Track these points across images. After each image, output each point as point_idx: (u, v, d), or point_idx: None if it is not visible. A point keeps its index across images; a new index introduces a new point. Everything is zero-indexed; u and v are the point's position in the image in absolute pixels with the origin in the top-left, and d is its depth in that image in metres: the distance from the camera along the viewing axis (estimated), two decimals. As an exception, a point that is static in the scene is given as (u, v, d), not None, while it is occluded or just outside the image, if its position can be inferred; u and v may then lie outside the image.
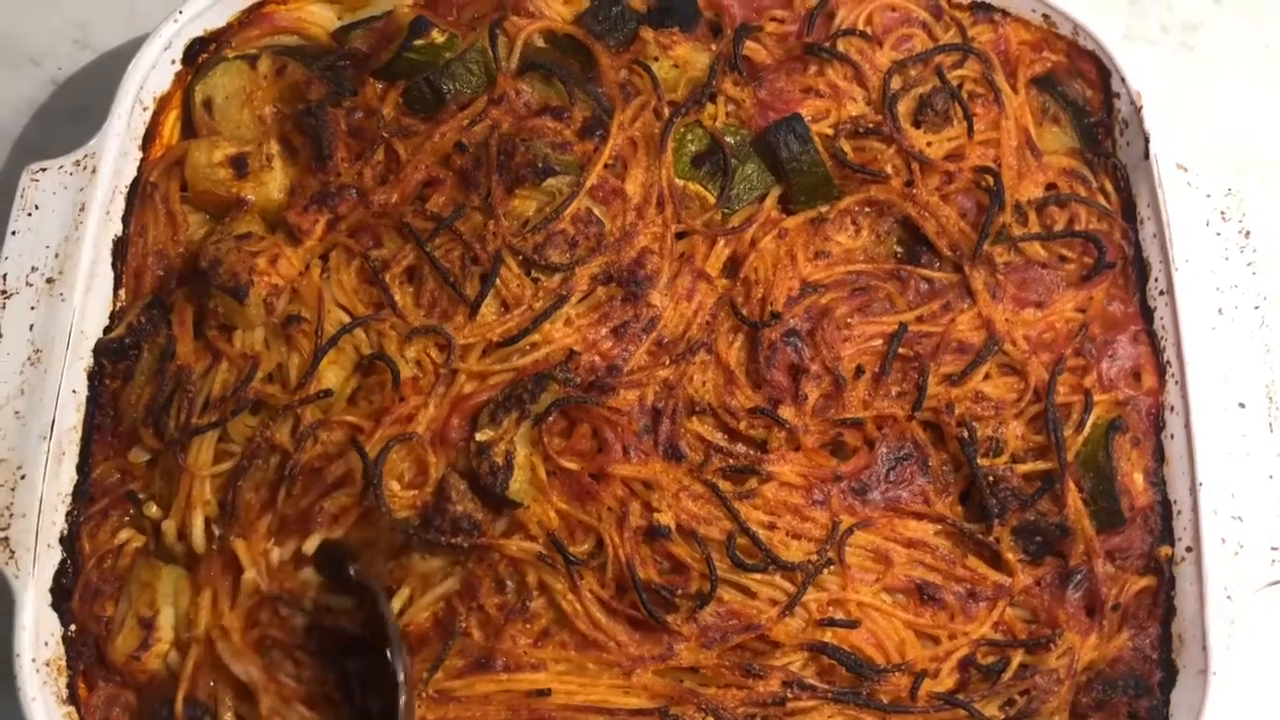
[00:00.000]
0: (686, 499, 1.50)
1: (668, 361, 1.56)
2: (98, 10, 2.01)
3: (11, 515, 1.46)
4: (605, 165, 1.62)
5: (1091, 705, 1.51)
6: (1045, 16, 1.75)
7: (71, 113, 1.61)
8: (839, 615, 1.49)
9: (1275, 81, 2.04)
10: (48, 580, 1.47)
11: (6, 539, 1.45)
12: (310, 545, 1.48)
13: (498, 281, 1.56)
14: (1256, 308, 1.61)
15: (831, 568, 1.51)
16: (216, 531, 1.49)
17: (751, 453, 1.54)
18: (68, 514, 1.50)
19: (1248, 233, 1.63)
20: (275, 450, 1.51)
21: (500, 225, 1.58)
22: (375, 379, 1.54)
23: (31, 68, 1.99)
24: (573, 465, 1.50)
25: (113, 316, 1.60)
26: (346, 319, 1.56)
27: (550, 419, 1.50)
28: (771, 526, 1.51)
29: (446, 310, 1.56)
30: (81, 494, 1.52)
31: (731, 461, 1.53)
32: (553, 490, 1.49)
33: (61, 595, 1.48)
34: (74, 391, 1.53)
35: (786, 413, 1.55)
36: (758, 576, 1.49)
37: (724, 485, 1.51)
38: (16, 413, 1.50)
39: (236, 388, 1.52)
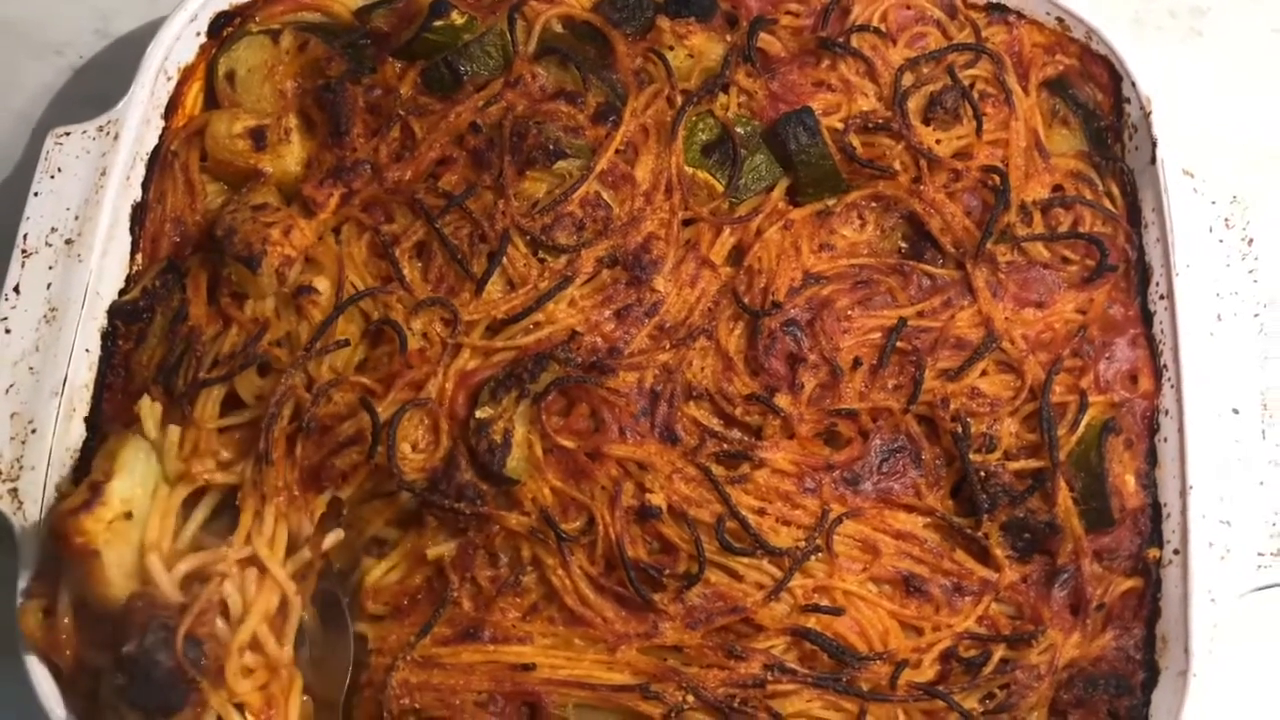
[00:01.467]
0: (679, 481, 1.52)
1: (668, 346, 1.58)
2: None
3: (21, 467, 1.50)
4: (616, 151, 1.64)
5: (1072, 702, 1.52)
6: (1059, 20, 1.76)
7: (92, 101, 1.66)
8: (824, 602, 1.51)
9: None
10: (53, 532, 1.51)
11: (15, 490, 1.49)
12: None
13: (504, 260, 1.59)
14: (1256, 315, 1.61)
15: (819, 555, 1.52)
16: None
17: (746, 439, 1.56)
18: (74, 468, 1.54)
19: (1250, 240, 1.64)
20: (291, 398, 1.52)
21: (510, 205, 1.61)
22: (383, 350, 1.57)
23: (54, 56, 2.04)
24: (569, 443, 1.52)
25: (129, 279, 1.64)
26: (356, 290, 1.60)
27: (549, 398, 1.53)
28: (762, 512, 1.53)
29: (453, 286, 1.59)
30: (90, 450, 1.55)
31: (725, 446, 1.55)
32: (548, 468, 1.51)
33: (65, 546, 1.51)
34: (87, 350, 1.57)
35: (782, 401, 1.56)
36: (745, 560, 1.50)
37: (717, 469, 1.53)
38: (30, 368, 1.54)
39: (245, 345, 1.55)
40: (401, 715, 1.45)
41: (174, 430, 1.49)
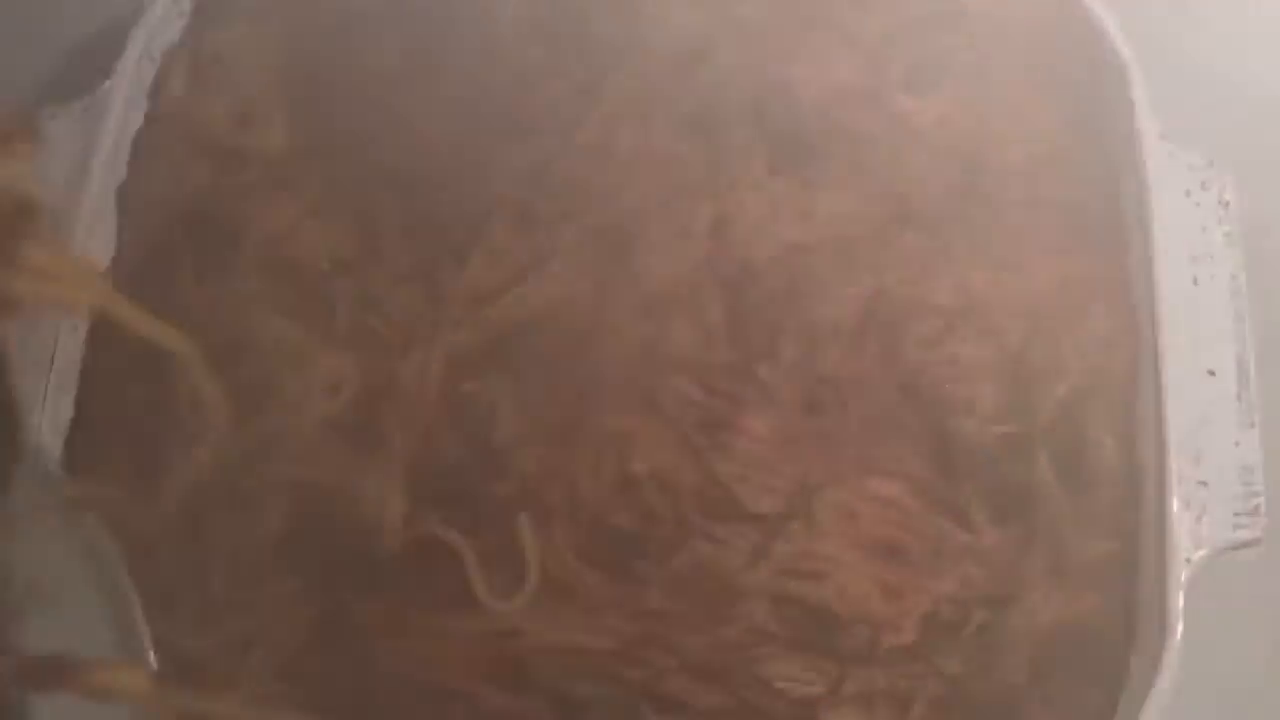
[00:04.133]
0: (660, 449, 1.53)
1: (649, 316, 1.60)
2: (111, -11, 2.06)
3: (11, 444, 1.52)
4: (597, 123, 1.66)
5: (1052, 663, 1.53)
6: (1037, -14, 1.76)
7: (81, 87, 1.69)
8: (805, 567, 1.52)
9: (1262, 36, 2.03)
10: (45, 507, 1.53)
11: (4, 466, 1.51)
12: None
13: (487, 234, 1.60)
14: (1232, 277, 1.62)
15: (800, 521, 1.53)
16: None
17: (727, 407, 1.57)
18: (64, 444, 1.55)
19: (1227, 204, 1.64)
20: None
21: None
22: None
23: (42, 41, 2.05)
24: (552, 414, 1.54)
25: (115, 260, 1.66)
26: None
27: (532, 370, 1.54)
28: (743, 479, 1.54)
29: (436, 260, 1.60)
30: (79, 426, 1.57)
31: (706, 415, 1.56)
32: (531, 438, 1.53)
33: (56, 522, 1.54)
34: (75, 328, 1.59)
35: (762, 369, 1.58)
36: (726, 527, 1.52)
37: (698, 438, 1.54)
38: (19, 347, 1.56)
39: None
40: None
41: None
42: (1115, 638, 1.54)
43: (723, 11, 1.73)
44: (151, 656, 1.43)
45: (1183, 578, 1.49)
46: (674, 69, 1.70)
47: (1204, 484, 1.53)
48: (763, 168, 1.69)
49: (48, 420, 1.54)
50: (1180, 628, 1.47)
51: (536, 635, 1.49)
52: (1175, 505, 1.52)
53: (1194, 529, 1.51)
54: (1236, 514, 1.52)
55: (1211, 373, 1.58)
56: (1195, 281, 1.61)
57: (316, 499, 1.52)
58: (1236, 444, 1.55)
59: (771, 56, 1.72)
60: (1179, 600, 1.47)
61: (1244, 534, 1.51)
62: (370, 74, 1.71)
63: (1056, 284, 1.64)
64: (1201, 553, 1.50)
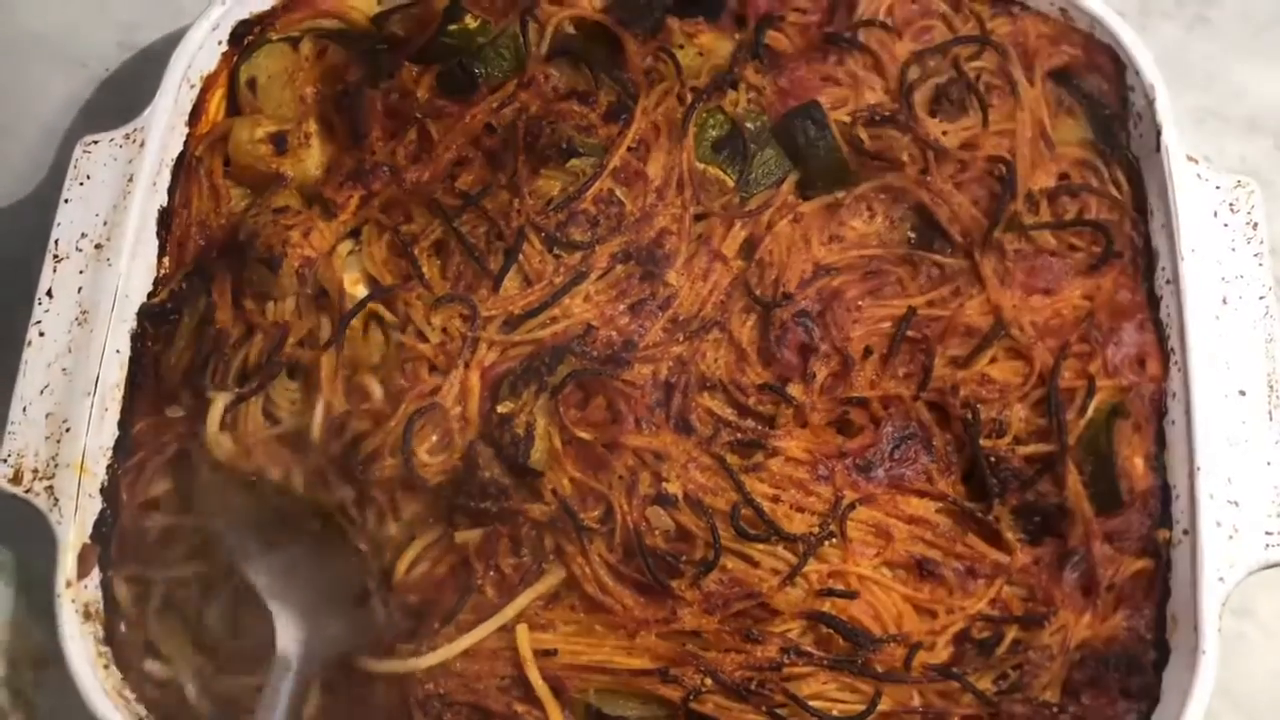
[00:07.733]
0: (694, 470, 1.55)
1: (682, 338, 1.61)
2: (143, 12, 2.12)
3: (56, 465, 1.54)
4: (628, 148, 1.67)
5: (1085, 682, 1.54)
6: (1063, 10, 1.78)
7: (117, 111, 1.71)
8: (839, 586, 1.53)
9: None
10: (88, 528, 1.55)
11: (51, 487, 1.53)
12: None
13: (520, 257, 1.62)
14: (1261, 298, 1.63)
15: (833, 541, 1.54)
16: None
17: (759, 428, 1.58)
18: (108, 466, 1.58)
19: (1255, 224, 1.66)
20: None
21: (525, 203, 1.64)
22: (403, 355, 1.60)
23: (79, 69, 2.10)
24: (587, 435, 1.55)
25: (156, 282, 1.69)
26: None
27: (566, 391, 1.56)
28: (776, 499, 1.55)
29: (471, 284, 1.62)
30: (122, 448, 1.60)
31: (739, 435, 1.57)
32: (567, 459, 1.54)
33: (100, 542, 1.56)
34: (118, 351, 1.61)
35: (795, 390, 1.59)
36: (760, 546, 1.53)
37: (731, 458, 1.55)
38: (64, 369, 1.59)
39: (269, 353, 1.60)
40: (426, 700, 1.49)
41: None
42: (1148, 656, 1.55)
43: (753, 38, 1.75)
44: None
45: (1216, 597, 1.50)
46: (704, 94, 1.71)
47: (1235, 504, 1.54)
48: (792, 190, 1.71)
49: (92, 442, 1.56)
50: (1214, 646, 1.48)
51: (572, 655, 1.51)
52: (1207, 525, 1.53)
53: (1225, 548, 1.52)
54: (1268, 533, 1.53)
55: (1242, 392, 1.59)
56: (1225, 301, 1.63)
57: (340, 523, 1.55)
58: (1268, 463, 1.55)
59: (801, 81, 1.74)
60: (1213, 619, 1.48)
61: (1276, 553, 1.52)
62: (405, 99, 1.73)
63: (1086, 305, 1.66)
64: (1233, 572, 1.51)
